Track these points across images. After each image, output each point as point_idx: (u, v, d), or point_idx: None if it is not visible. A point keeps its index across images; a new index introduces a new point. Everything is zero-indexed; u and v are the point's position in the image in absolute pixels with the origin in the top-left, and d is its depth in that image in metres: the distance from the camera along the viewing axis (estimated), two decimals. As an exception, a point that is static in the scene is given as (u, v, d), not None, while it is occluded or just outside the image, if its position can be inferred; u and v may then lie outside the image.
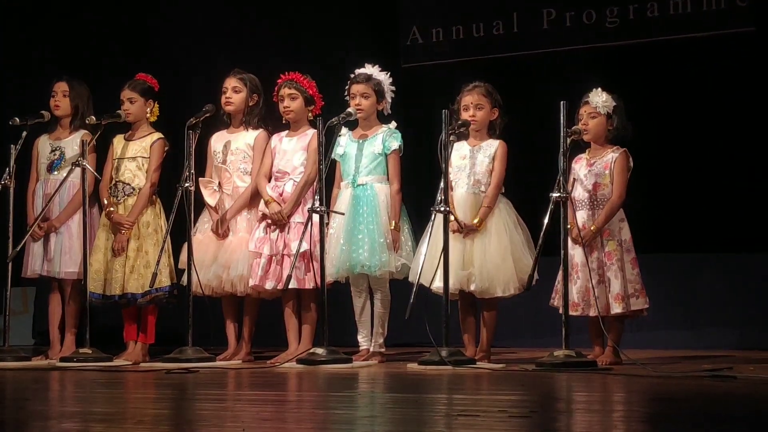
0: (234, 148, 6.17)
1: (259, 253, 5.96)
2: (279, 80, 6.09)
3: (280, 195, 6.00)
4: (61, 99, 6.41)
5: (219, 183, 6.14)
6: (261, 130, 6.17)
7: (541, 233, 5.18)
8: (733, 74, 6.54)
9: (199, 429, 3.28)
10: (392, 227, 5.77)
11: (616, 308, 5.44)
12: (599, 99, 5.52)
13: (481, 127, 5.74)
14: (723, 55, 6.58)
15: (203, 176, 6.16)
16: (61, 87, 6.41)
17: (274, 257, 5.94)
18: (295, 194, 5.95)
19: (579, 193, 5.56)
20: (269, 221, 5.95)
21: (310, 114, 6.08)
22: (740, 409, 3.71)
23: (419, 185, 6.13)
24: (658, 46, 6.77)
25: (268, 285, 5.91)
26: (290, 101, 6.04)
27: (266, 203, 5.96)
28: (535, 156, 6.20)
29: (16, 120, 6.25)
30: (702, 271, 6.58)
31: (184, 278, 5.96)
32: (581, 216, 5.54)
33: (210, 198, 6.08)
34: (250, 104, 6.18)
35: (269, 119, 6.19)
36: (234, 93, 6.15)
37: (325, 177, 5.63)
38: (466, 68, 6.99)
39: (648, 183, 6.16)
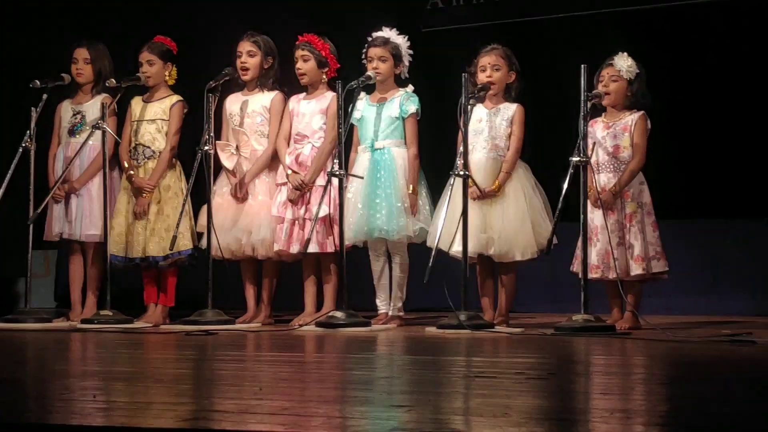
0: (250, 110, 6.15)
1: (282, 218, 5.97)
2: (297, 42, 6.08)
3: (297, 158, 6.00)
4: (83, 66, 6.40)
5: (236, 146, 6.13)
6: (277, 92, 6.16)
7: (561, 197, 5.16)
8: (756, 37, 6.48)
9: (218, 388, 3.30)
10: (410, 191, 5.77)
11: (636, 270, 5.42)
12: (624, 63, 5.49)
13: (498, 89, 5.71)
14: (745, 17, 6.51)
15: (220, 139, 6.15)
16: (82, 54, 6.41)
17: (296, 221, 5.95)
18: (317, 161, 5.95)
19: (600, 155, 5.54)
20: (290, 187, 5.94)
21: (324, 76, 6.06)
22: (759, 373, 3.71)
23: (436, 149, 6.11)
24: (678, 9, 6.70)
25: (293, 249, 5.92)
26: (303, 63, 6.03)
27: (287, 175, 5.96)
28: (553, 120, 6.17)
29: (37, 83, 6.25)
30: (722, 237, 6.54)
31: (203, 241, 5.99)
32: (602, 178, 5.52)
33: (227, 161, 6.08)
34: (265, 67, 6.16)
35: (285, 81, 6.17)
36: (249, 57, 6.13)
37: (344, 141, 5.63)
38: (485, 33, 6.94)
39: (669, 148, 6.12)
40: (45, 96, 6.23)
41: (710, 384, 3.34)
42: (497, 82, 5.69)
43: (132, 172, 6.17)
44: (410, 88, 5.91)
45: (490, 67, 5.68)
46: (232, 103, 6.21)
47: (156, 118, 6.24)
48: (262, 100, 6.16)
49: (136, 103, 6.32)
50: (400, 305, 5.87)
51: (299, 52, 6.03)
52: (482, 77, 5.67)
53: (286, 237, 5.95)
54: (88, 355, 4.68)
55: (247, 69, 6.14)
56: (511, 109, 5.70)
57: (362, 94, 5.91)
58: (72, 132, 6.39)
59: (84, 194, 6.31)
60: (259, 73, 6.16)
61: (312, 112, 6.05)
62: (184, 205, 5.94)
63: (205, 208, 5.97)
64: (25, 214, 6.16)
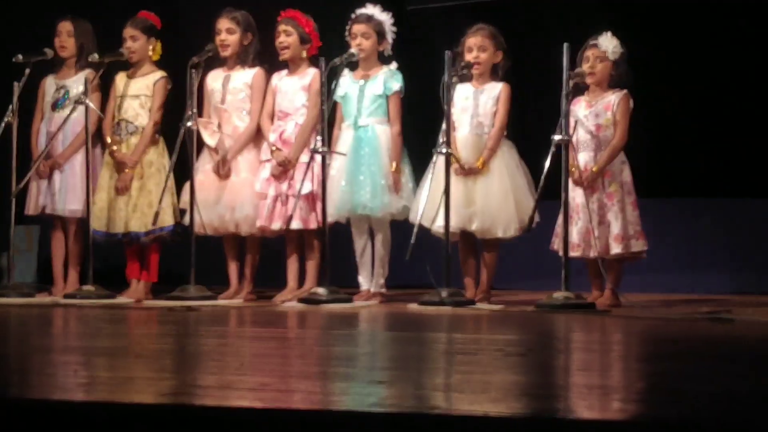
0: (232, 87, 6.13)
1: (265, 194, 5.98)
2: (279, 17, 6.06)
3: (281, 135, 6.00)
4: (66, 39, 6.38)
5: (218, 123, 6.13)
6: (258, 68, 6.14)
7: (542, 175, 5.18)
8: (737, 16, 6.49)
9: (200, 363, 3.32)
10: (393, 169, 5.78)
11: (616, 249, 5.46)
12: (610, 44, 5.52)
13: (484, 69, 5.73)
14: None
15: (202, 116, 6.14)
16: (66, 27, 6.38)
17: (279, 197, 5.96)
18: (300, 138, 5.95)
19: (581, 134, 5.57)
20: (274, 164, 5.94)
21: (304, 53, 6.04)
22: (737, 350, 3.75)
23: (420, 127, 6.12)
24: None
25: (275, 225, 5.92)
26: (285, 37, 6.01)
27: (271, 152, 5.96)
28: (536, 99, 6.18)
29: (20, 57, 6.22)
30: (701, 216, 6.58)
31: (187, 218, 5.99)
32: (583, 157, 5.55)
33: (210, 139, 6.06)
34: (245, 43, 6.14)
35: (265, 57, 6.15)
36: (228, 34, 6.10)
37: (327, 118, 5.63)
38: (470, 11, 6.93)
39: (649, 127, 6.14)
40: (27, 70, 6.20)
41: (688, 361, 3.37)
42: (483, 63, 5.70)
43: (114, 147, 6.16)
44: (394, 65, 5.91)
45: (476, 48, 5.69)
46: (214, 80, 6.19)
47: (140, 94, 6.22)
48: (244, 76, 6.14)
49: (120, 79, 6.30)
50: (382, 282, 5.89)
51: (282, 27, 6.01)
52: (469, 58, 5.67)
53: (269, 213, 5.95)
54: (70, 330, 4.69)
55: (226, 46, 6.12)
56: (497, 88, 5.71)
57: (345, 71, 5.90)
58: (55, 106, 6.37)
59: (67, 169, 6.29)
60: (239, 49, 6.13)
61: (294, 90, 6.04)
62: (166, 181, 5.94)
63: (188, 184, 5.96)
64: (8, 188, 6.14)
